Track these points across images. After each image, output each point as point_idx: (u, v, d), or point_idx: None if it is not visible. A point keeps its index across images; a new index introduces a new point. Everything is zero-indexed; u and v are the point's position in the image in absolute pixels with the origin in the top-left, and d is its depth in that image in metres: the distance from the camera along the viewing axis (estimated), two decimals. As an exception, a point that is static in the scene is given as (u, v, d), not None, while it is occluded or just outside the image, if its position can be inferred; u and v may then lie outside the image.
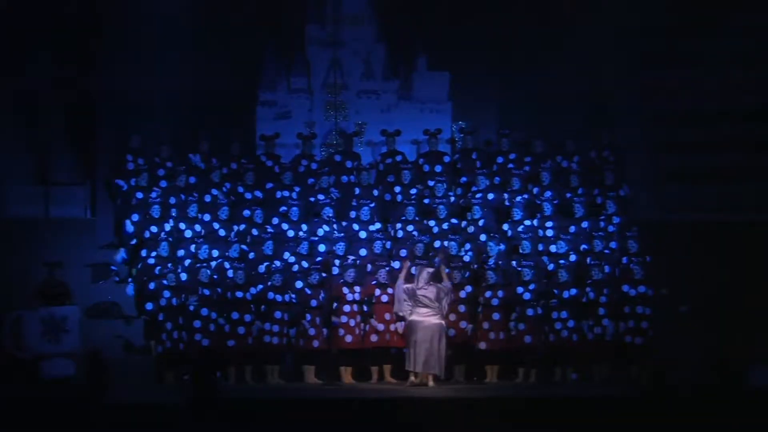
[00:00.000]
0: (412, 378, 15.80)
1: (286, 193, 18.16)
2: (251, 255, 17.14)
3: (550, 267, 16.95)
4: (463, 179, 18.68)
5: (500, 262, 16.83)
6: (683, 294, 17.25)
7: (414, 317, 15.84)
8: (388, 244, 17.33)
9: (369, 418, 12.83)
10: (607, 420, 12.72)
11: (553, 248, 17.24)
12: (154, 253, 17.05)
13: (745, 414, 12.72)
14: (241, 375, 16.40)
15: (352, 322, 16.45)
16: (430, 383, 15.75)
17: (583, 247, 17.32)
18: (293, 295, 16.48)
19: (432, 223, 17.63)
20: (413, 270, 16.16)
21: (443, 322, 15.89)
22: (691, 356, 16.47)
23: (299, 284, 16.57)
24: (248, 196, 18.14)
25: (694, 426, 12.54)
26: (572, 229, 17.58)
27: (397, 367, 16.33)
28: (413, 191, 18.26)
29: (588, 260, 16.93)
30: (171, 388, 15.63)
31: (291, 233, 17.42)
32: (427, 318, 15.79)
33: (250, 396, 14.34)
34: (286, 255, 17.10)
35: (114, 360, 15.30)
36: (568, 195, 18.11)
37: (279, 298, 16.43)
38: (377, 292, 16.51)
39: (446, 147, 19.75)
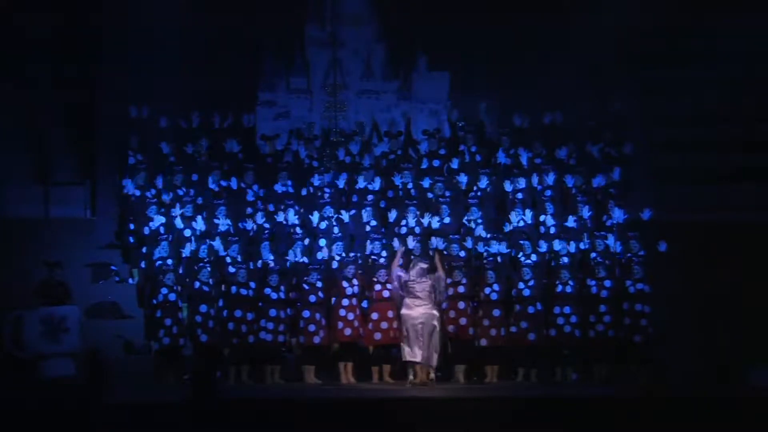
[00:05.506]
0: (411, 377, 15.77)
1: (289, 190, 18.19)
2: (250, 253, 17.14)
3: (552, 264, 16.96)
4: (464, 178, 18.67)
5: (499, 259, 16.84)
6: (683, 294, 17.28)
7: (404, 310, 15.83)
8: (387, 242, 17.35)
9: (369, 418, 12.83)
10: (607, 420, 12.72)
11: (555, 246, 17.25)
12: (155, 252, 17.05)
13: (745, 414, 12.73)
14: (241, 375, 16.42)
15: (350, 316, 16.47)
16: (431, 376, 15.70)
17: (584, 245, 17.32)
18: (292, 293, 16.52)
19: (433, 221, 17.64)
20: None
21: (436, 312, 15.85)
22: (691, 356, 16.51)
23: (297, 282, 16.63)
24: (250, 197, 18.14)
25: (694, 426, 12.56)
26: (574, 227, 17.59)
27: (397, 367, 16.33)
28: (411, 189, 18.28)
29: (590, 257, 16.95)
30: (171, 388, 15.64)
31: (290, 231, 17.44)
32: (418, 308, 15.74)
33: (250, 396, 14.34)
34: (285, 252, 17.12)
35: (114, 360, 15.32)
36: (572, 192, 18.12)
37: (275, 295, 16.47)
38: (377, 287, 16.51)
39: (446, 147, 19.75)
